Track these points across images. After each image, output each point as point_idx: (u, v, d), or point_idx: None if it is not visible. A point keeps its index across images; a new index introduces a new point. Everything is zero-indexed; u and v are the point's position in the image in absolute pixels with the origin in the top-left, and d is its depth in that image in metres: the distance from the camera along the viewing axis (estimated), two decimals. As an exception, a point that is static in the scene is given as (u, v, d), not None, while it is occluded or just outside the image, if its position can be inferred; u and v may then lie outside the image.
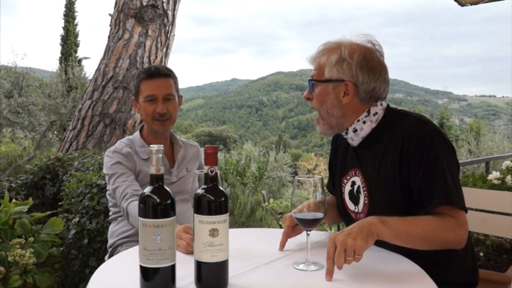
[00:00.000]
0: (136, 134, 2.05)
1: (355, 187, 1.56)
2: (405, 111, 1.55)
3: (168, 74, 1.98)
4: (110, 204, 2.05)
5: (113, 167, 1.92)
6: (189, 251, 1.35)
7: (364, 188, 1.52)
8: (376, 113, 1.51)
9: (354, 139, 1.54)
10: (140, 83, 1.97)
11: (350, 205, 1.59)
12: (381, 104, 1.52)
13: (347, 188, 1.60)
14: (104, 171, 1.97)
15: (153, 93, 1.94)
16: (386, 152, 1.45)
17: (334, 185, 1.72)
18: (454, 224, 1.33)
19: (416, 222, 1.31)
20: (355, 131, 1.52)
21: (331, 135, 1.64)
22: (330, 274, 1.18)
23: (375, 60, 1.49)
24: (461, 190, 1.40)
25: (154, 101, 1.94)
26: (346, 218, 1.63)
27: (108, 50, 5.73)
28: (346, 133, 1.55)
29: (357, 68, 1.46)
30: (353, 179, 1.57)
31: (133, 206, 1.77)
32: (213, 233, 1.10)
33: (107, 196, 2.05)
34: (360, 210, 1.54)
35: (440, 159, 1.38)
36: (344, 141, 1.65)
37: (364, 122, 1.50)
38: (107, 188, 1.97)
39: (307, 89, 1.57)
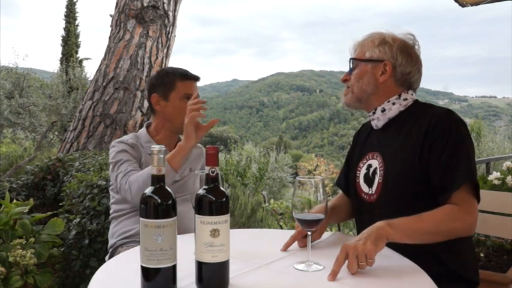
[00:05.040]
0: (143, 130, 2.07)
1: (371, 169, 1.59)
2: (433, 104, 1.61)
3: (199, 79, 2.10)
4: (112, 200, 2.04)
5: (118, 155, 1.93)
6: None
7: (381, 168, 1.54)
8: (406, 99, 1.59)
9: (380, 119, 1.60)
10: (176, 81, 2.02)
11: (364, 187, 1.61)
12: (412, 94, 1.61)
13: (362, 171, 1.63)
14: (110, 160, 1.97)
15: (192, 92, 2.01)
16: (410, 134, 1.50)
17: (348, 175, 1.75)
18: (462, 213, 1.35)
19: (423, 218, 1.33)
20: (383, 110, 1.58)
21: (355, 109, 1.69)
22: (333, 275, 1.18)
23: (413, 50, 1.62)
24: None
25: None
26: (358, 203, 1.64)
27: (108, 51, 5.74)
28: (374, 113, 1.61)
29: (398, 51, 1.58)
30: (370, 162, 1.61)
31: (133, 177, 1.81)
32: (214, 233, 1.10)
33: (110, 192, 2.05)
34: (373, 192, 1.56)
35: (466, 144, 1.43)
36: (365, 134, 1.71)
37: (393, 104, 1.58)
38: (110, 183, 1.98)
39: (346, 72, 1.66)
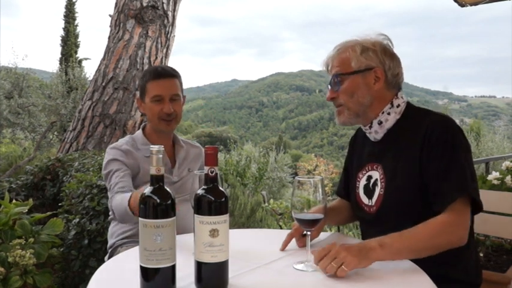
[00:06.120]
0: (139, 132, 2.06)
1: (372, 181, 1.56)
2: (428, 109, 1.57)
3: (174, 75, 2.00)
4: None
5: (108, 165, 1.93)
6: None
7: (382, 180, 1.52)
8: (399, 105, 1.54)
9: (378, 131, 1.56)
10: (147, 83, 1.98)
11: (364, 199, 1.59)
12: (402, 97, 1.56)
13: (362, 182, 1.61)
14: (102, 167, 1.97)
15: (160, 93, 1.95)
16: (408, 144, 1.47)
17: (348, 185, 1.72)
18: (452, 226, 1.33)
19: (414, 234, 1.31)
20: (380, 123, 1.54)
21: (353, 125, 1.63)
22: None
23: (392, 49, 1.57)
24: (477, 183, 1.42)
25: (161, 101, 1.95)
26: (359, 213, 1.63)
27: (108, 51, 5.74)
28: (370, 126, 1.56)
29: (382, 54, 1.52)
30: (370, 173, 1.58)
31: (116, 200, 1.77)
32: (213, 233, 1.10)
33: (108, 194, 2.06)
34: (373, 204, 1.55)
35: (462, 153, 1.40)
36: (361, 140, 1.67)
37: (388, 114, 1.53)
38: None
39: (330, 90, 1.57)
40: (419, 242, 1.31)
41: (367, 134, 1.61)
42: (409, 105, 1.57)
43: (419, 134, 1.44)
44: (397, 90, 1.56)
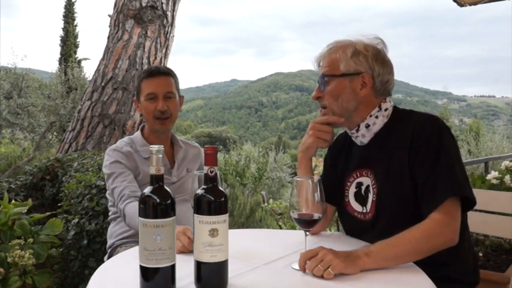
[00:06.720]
0: (138, 133, 2.06)
1: (363, 187, 1.53)
2: (412, 110, 1.55)
3: (168, 73, 2.02)
4: (110, 203, 2.05)
5: (112, 166, 1.92)
6: (181, 252, 1.36)
7: (374, 186, 1.49)
8: (387, 109, 1.52)
9: (365, 135, 1.53)
10: (141, 82, 2.00)
11: (356, 207, 1.55)
12: (390, 101, 1.54)
13: (351, 190, 1.57)
14: (103, 170, 1.98)
15: (154, 91, 1.96)
16: (396, 148, 1.45)
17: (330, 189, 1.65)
18: (439, 226, 1.31)
19: (401, 241, 1.29)
20: (367, 126, 1.51)
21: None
22: (300, 267, 1.23)
23: (385, 55, 1.53)
24: (468, 182, 1.39)
25: (155, 99, 1.96)
26: (349, 221, 1.58)
27: (107, 51, 5.74)
28: (357, 130, 1.53)
29: (373, 60, 1.48)
30: (359, 179, 1.55)
31: (130, 208, 1.78)
32: (213, 233, 1.10)
33: (107, 195, 2.05)
34: (367, 210, 1.51)
35: (449, 152, 1.38)
36: (344, 144, 1.64)
37: (376, 117, 1.51)
38: (106, 187, 1.98)
39: (316, 88, 1.55)
40: (405, 249, 1.28)
41: (353, 138, 1.58)
42: (395, 108, 1.55)
43: (406, 136, 1.42)
44: (385, 96, 1.53)
